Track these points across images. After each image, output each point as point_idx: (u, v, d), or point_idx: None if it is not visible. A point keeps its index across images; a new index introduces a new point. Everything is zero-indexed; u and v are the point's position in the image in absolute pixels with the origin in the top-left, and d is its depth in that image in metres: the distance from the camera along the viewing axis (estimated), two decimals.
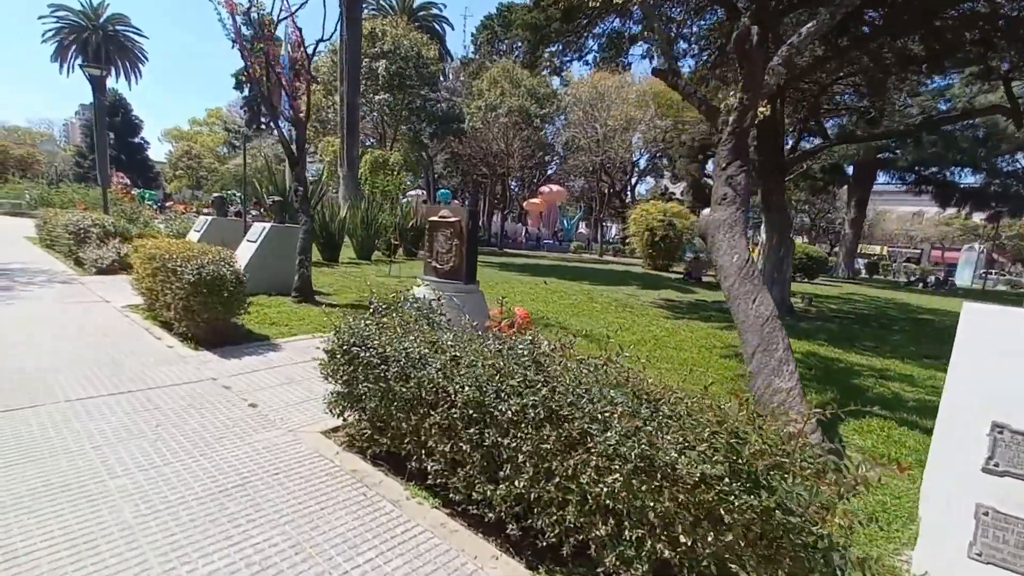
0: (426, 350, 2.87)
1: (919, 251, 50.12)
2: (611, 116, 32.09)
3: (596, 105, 32.40)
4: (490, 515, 2.51)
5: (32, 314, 6.32)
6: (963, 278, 31.71)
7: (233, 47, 8.07)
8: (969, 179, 26.11)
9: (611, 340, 6.85)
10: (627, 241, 39.85)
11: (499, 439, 2.42)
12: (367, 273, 13.10)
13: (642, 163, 42.61)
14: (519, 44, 44.21)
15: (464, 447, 2.58)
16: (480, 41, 45.36)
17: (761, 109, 4.84)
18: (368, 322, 3.29)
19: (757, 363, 4.01)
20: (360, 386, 3.18)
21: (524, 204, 39.79)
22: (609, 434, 2.04)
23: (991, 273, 32.61)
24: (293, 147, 8.50)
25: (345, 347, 3.26)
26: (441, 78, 35.24)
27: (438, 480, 2.79)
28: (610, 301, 11.38)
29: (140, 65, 44.42)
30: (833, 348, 7.93)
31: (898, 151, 23.56)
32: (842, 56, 12.07)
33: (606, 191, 38.02)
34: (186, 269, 5.40)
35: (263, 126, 51.07)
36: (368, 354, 3.10)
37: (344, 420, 3.66)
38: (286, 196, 15.02)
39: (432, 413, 2.74)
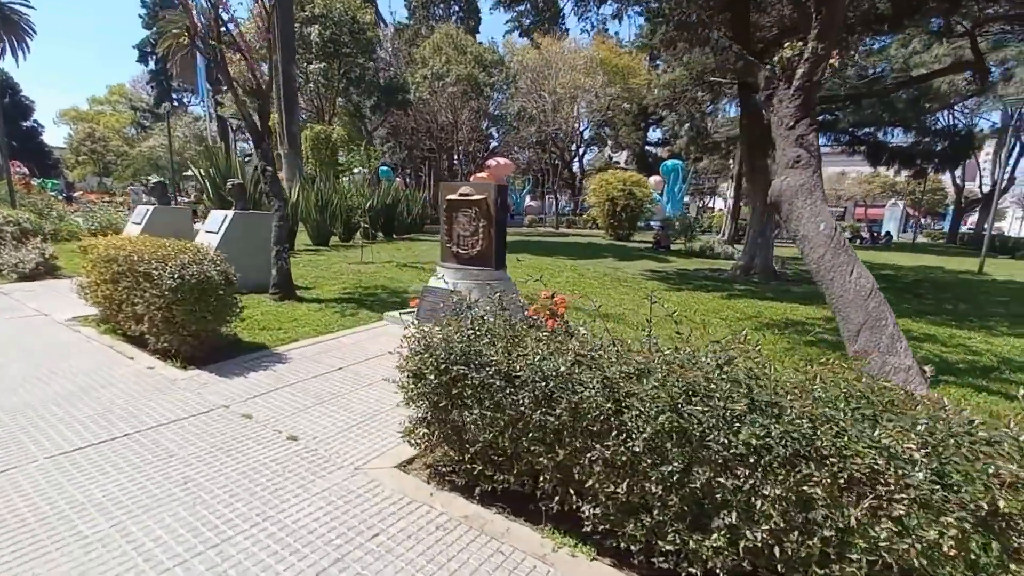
0: (574, 367, 2.25)
1: (843, 209, 53.53)
2: (559, 83, 31.37)
3: (543, 72, 31.54)
4: (692, 570, 1.99)
5: None
6: (891, 231, 34.11)
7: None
8: (898, 138, 27.76)
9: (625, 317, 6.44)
10: (581, 212, 39.85)
11: (716, 479, 1.88)
12: (333, 260, 12.01)
13: (587, 133, 42.42)
14: (458, 7, 42.32)
15: (653, 488, 2.02)
16: (414, 5, 42.94)
17: (832, 61, 4.44)
18: (470, 333, 2.60)
19: (865, 342, 3.67)
20: (468, 414, 2.53)
21: (472, 178, 38.65)
22: (920, 474, 1.55)
23: (919, 227, 35.35)
24: (255, 119, 7.34)
25: (443, 366, 2.57)
26: (377, 46, 33.01)
27: (599, 527, 2.23)
28: (600, 276, 11.02)
29: (28, 40, 38.49)
30: None
31: (838, 113, 24.51)
32: (812, 18, 12.01)
33: (556, 162, 37.56)
34: (164, 272, 4.39)
35: (176, 102, 46.47)
36: (483, 375, 2.44)
37: (422, 448, 3.00)
38: (228, 177, 13.47)
39: (596, 446, 2.15)
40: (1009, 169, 25.32)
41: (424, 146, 34.70)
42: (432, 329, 2.82)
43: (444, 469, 2.91)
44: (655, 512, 2.06)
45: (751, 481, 1.81)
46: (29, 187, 21.22)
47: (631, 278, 10.87)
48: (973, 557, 1.50)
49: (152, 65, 43.95)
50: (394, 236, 19.07)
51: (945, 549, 1.51)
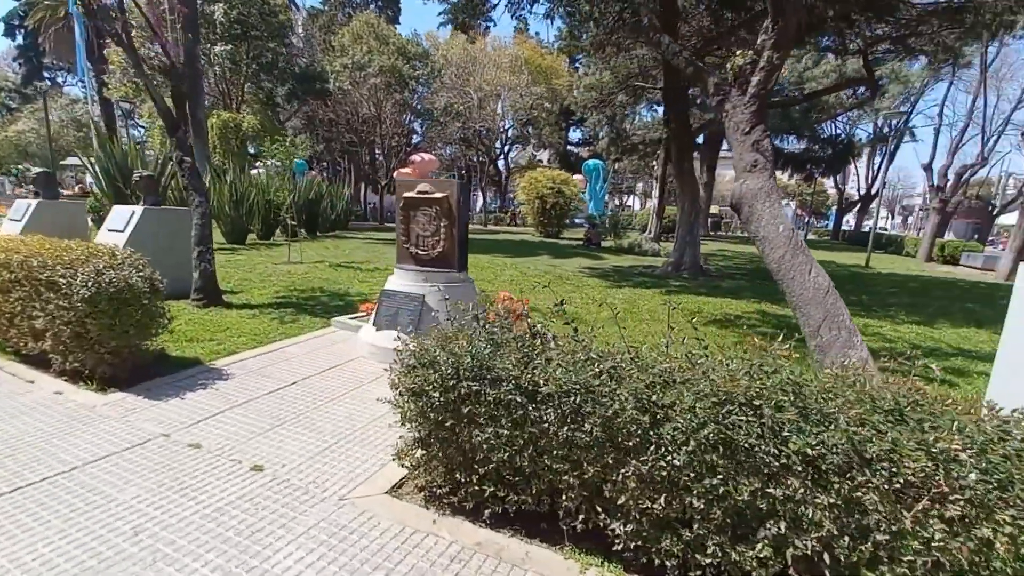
0: (606, 379, 2.13)
1: None
2: (484, 80, 31.28)
3: (468, 68, 31.30)
4: None
5: None
6: None
7: None
8: (791, 145, 30.52)
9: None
10: (506, 210, 40.01)
11: (764, 489, 1.85)
12: (256, 261, 11.06)
13: (511, 131, 42.66)
14: None
15: (695, 502, 1.96)
16: None
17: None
18: (483, 344, 2.40)
19: (825, 337, 3.90)
20: (480, 433, 2.34)
21: (396, 174, 37.45)
22: (973, 475, 1.60)
23: (807, 226, 39.24)
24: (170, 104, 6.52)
25: (451, 382, 2.35)
26: (289, 31, 30.96)
27: (630, 544, 2.14)
28: (541, 274, 11.05)
29: None
30: (771, 305, 8.52)
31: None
32: (732, 33, 12.84)
33: (484, 159, 37.44)
34: (75, 280, 3.73)
35: (49, 82, 40.94)
36: (500, 391, 2.25)
37: (422, 471, 2.75)
38: (123, 167, 11.97)
39: (631, 462, 2.06)
40: (882, 174, 28.76)
41: (344, 139, 33.13)
42: (427, 342, 2.59)
43: (440, 491, 2.69)
44: (695, 526, 2.00)
45: (801, 490, 1.80)
46: None
47: (572, 276, 11.00)
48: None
49: (20, 39, 38.17)
50: (318, 234, 18.01)
51: (998, 546, 1.57)
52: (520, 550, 2.33)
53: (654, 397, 2.04)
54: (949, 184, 21.82)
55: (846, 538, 1.76)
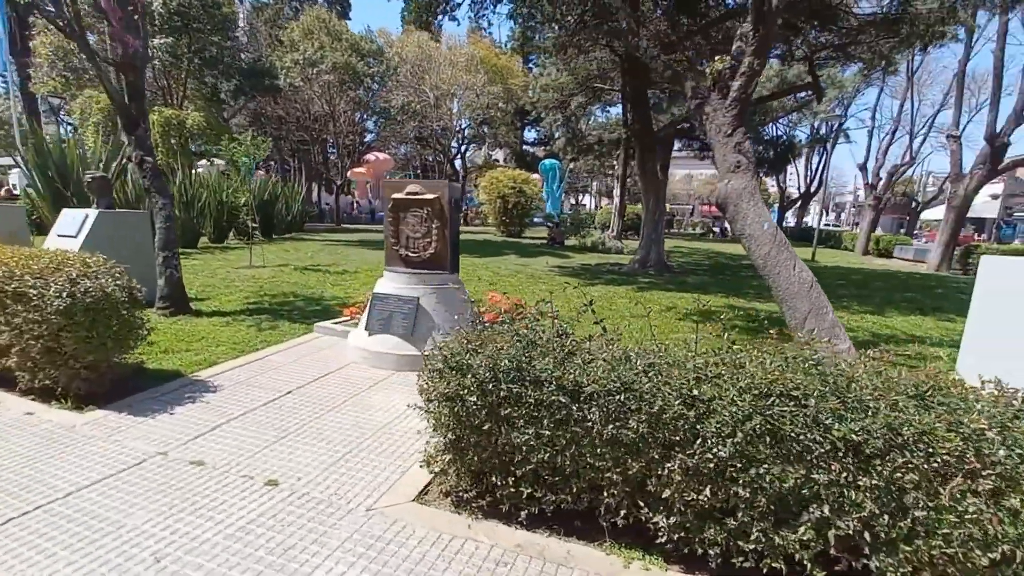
0: (651, 375, 2.19)
1: (691, 206, 60.39)
2: (440, 79, 31.00)
3: (423, 66, 30.93)
4: (775, 565, 2.05)
5: None
6: None
7: None
8: None
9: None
10: (464, 209, 39.79)
11: (809, 475, 1.96)
12: (214, 265, 10.57)
13: (467, 131, 42.48)
14: None
15: (741, 492, 2.04)
16: None
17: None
18: (521, 346, 2.40)
19: (810, 329, 4.13)
20: (519, 434, 2.34)
21: (349, 174, 36.55)
22: (1002, 451, 1.75)
23: None
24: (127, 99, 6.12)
25: (490, 386, 2.34)
26: (234, 25, 29.57)
27: (673, 536, 2.20)
28: (513, 273, 11.11)
29: None
30: (738, 299, 8.91)
31: (693, 123, 27.55)
32: (688, 38, 13.29)
33: (440, 159, 37.08)
34: (48, 291, 3.46)
35: None
36: (543, 392, 2.26)
37: (439, 474, 2.73)
38: (63, 168, 11.11)
39: (677, 455, 2.12)
40: (822, 173, 30.58)
41: (294, 137, 32.03)
42: (453, 346, 2.57)
43: (468, 496, 2.67)
44: (739, 514, 2.08)
45: (844, 474, 1.91)
46: None
47: (543, 275, 11.10)
48: None
49: None
50: (274, 236, 17.35)
51: None
52: (560, 549, 2.36)
53: (696, 392, 2.11)
54: (881, 183, 23.46)
55: (886, 516, 1.89)
